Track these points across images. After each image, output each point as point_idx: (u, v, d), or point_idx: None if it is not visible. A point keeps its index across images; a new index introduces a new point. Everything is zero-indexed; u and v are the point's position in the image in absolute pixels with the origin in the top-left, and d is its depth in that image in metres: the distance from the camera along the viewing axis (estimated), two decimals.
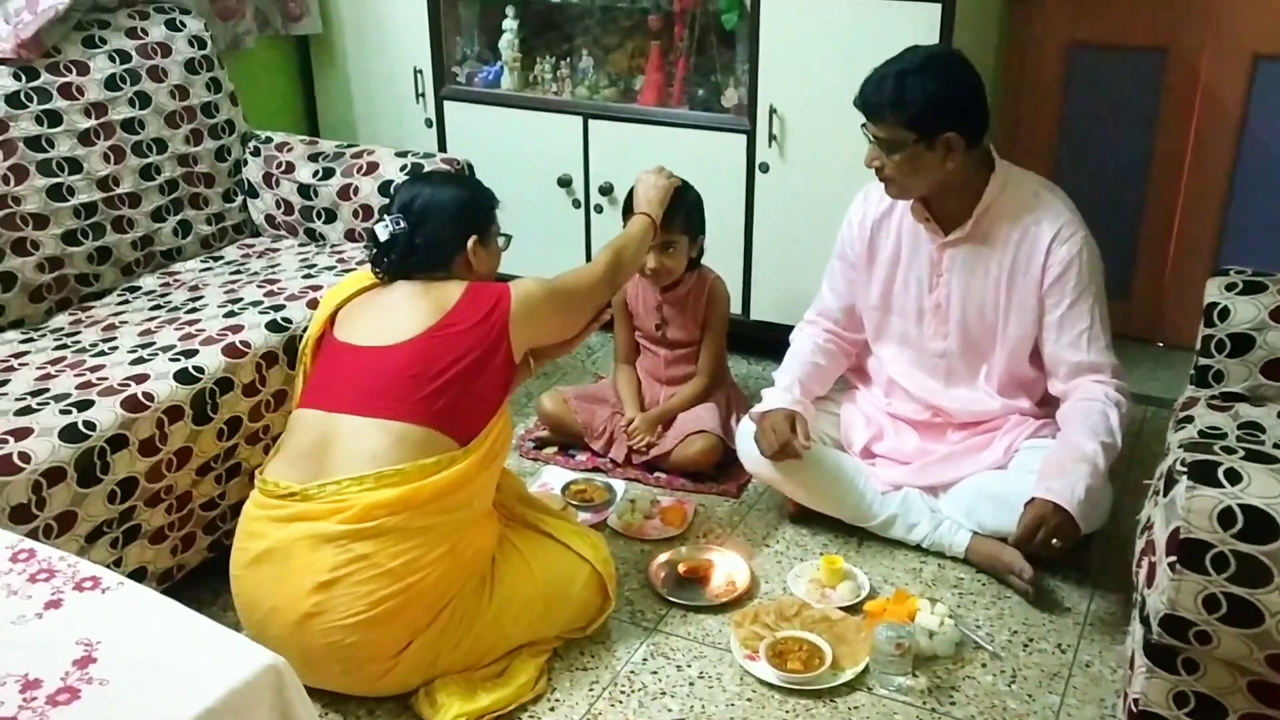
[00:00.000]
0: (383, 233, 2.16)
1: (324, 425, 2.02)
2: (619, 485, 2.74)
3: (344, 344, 2.12)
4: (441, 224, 2.17)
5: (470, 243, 2.18)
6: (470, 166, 2.94)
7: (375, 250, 2.19)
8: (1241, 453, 1.54)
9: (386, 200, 2.30)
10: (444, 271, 2.18)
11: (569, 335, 2.32)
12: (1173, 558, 1.51)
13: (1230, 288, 2.16)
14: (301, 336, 2.43)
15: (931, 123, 2.21)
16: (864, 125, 2.30)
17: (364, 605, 1.91)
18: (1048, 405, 2.46)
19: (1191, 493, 1.49)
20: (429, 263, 2.17)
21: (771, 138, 3.04)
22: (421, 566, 1.94)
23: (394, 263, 2.17)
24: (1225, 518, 1.46)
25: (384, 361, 2.05)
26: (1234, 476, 1.49)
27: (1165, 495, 1.56)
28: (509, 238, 2.32)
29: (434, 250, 2.17)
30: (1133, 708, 1.68)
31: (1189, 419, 2.06)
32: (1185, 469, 1.52)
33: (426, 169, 2.82)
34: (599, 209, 3.35)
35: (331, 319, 2.19)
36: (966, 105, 2.25)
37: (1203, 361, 2.17)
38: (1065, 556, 2.29)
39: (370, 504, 1.93)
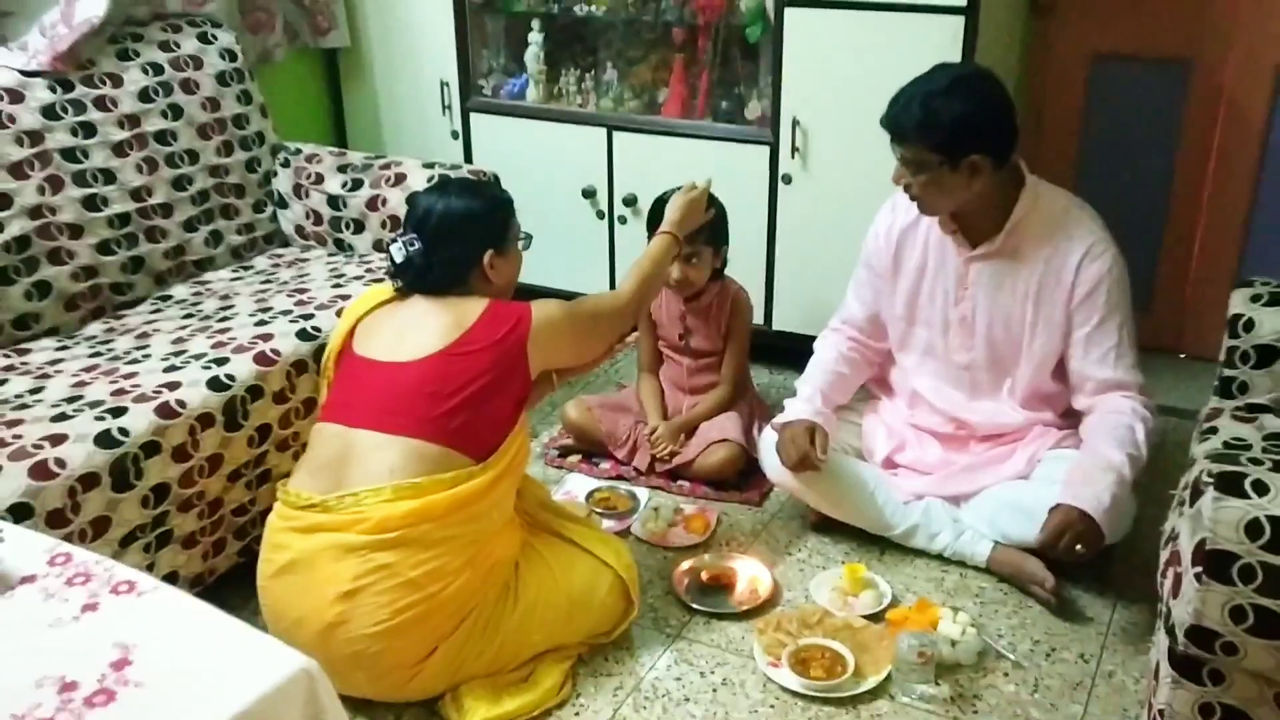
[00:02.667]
0: (398, 254, 2.14)
1: (343, 440, 2.04)
2: (642, 493, 2.76)
3: (363, 359, 2.12)
4: (456, 241, 2.15)
5: (487, 256, 2.16)
6: (496, 178, 2.96)
7: (393, 268, 2.19)
8: (1268, 464, 1.55)
9: (404, 213, 2.29)
10: (463, 286, 2.17)
11: (588, 359, 2.32)
12: (1199, 569, 1.51)
13: (1256, 299, 2.15)
14: None
15: (956, 146, 2.20)
16: (891, 143, 2.30)
17: (386, 614, 1.93)
18: (1071, 417, 2.46)
19: (1218, 504, 1.49)
20: (446, 280, 2.15)
21: (794, 149, 3.05)
22: (443, 575, 1.96)
23: (411, 281, 2.17)
24: (1252, 529, 1.47)
25: (402, 378, 2.05)
26: (1261, 488, 1.49)
27: (1191, 506, 1.57)
28: (529, 237, 2.29)
29: (450, 268, 2.15)
30: (1158, 718, 1.68)
31: (1213, 430, 2.05)
32: (1212, 480, 1.52)
33: (443, 178, 2.77)
34: (623, 220, 3.37)
35: (352, 332, 2.20)
36: (993, 127, 2.24)
37: (1227, 373, 2.16)
38: (1087, 566, 2.29)
39: (387, 516, 1.94)
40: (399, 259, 2.15)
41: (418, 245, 2.14)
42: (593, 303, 2.33)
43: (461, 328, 2.08)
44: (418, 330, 2.10)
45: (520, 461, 2.15)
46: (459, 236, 2.15)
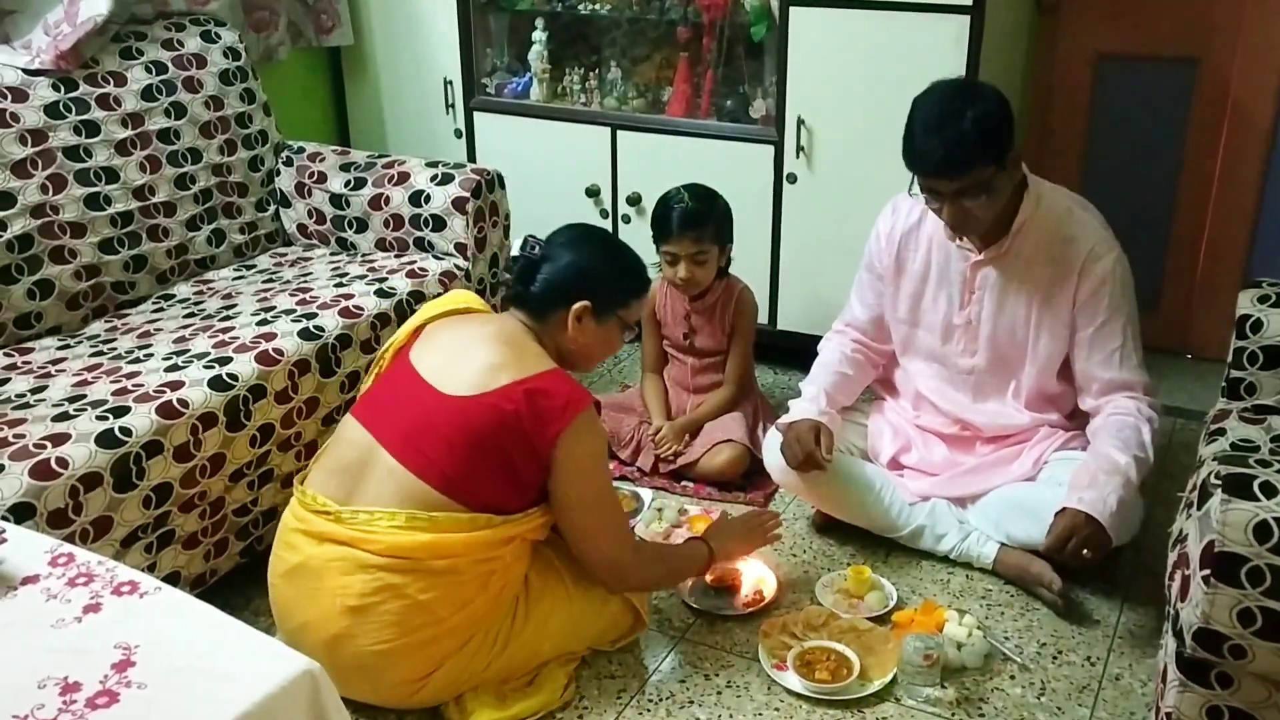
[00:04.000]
0: (516, 248, 2.10)
1: (366, 449, 1.99)
2: (646, 494, 2.75)
3: (412, 371, 2.04)
4: (563, 270, 2.07)
5: (577, 306, 2.05)
6: (500, 177, 2.95)
7: (510, 262, 2.14)
8: (1277, 466, 1.54)
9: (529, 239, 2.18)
10: (543, 322, 2.08)
11: (576, 520, 2.05)
12: (1207, 571, 1.50)
13: (1263, 300, 2.14)
14: (333, 345, 2.45)
15: (1004, 144, 2.19)
16: (924, 188, 2.23)
17: (393, 634, 1.91)
18: (1077, 418, 2.45)
19: (1227, 506, 1.49)
20: (537, 300, 2.08)
21: (799, 149, 3.04)
22: (453, 602, 1.93)
23: (513, 283, 2.12)
24: (1261, 531, 1.46)
25: (434, 411, 1.97)
26: (1269, 490, 1.48)
27: (1199, 508, 1.56)
28: (636, 333, 2.17)
29: (544, 291, 2.07)
30: None
31: (1221, 431, 2.04)
32: (1220, 482, 1.52)
33: (614, 239, 2.37)
34: (626, 219, 3.36)
35: (419, 331, 2.13)
36: (1011, 116, 2.23)
37: (1234, 374, 2.15)
38: (1094, 569, 2.28)
39: (398, 543, 1.90)
40: (513, 252, 2.10)
41: (537, 251, 2.10)
42: (614, 514, 2.12)
43: (505, 377, 1.95)
44: (468, 358, 2.00)
45: (546, 528, 2.06)
46: (571, 268, 2.08)
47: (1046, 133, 3.31)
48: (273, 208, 3.11)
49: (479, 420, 1.94)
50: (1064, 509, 2.18)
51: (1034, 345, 2.39)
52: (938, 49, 2.73)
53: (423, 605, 1.91)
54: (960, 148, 2.15)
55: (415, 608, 1.90)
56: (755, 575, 2.40)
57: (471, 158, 3.55)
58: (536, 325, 2.09)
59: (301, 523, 2.00)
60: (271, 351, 2.35)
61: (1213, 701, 1.59)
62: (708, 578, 2.38)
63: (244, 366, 2.29)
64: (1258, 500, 1.47)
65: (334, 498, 1.97)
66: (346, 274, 2.81)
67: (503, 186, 2.97)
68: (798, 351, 3.06)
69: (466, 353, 2.02)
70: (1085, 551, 2.15)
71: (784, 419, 2.51)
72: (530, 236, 2.13)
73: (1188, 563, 1.59)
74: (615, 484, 2.77)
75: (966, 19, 2.74)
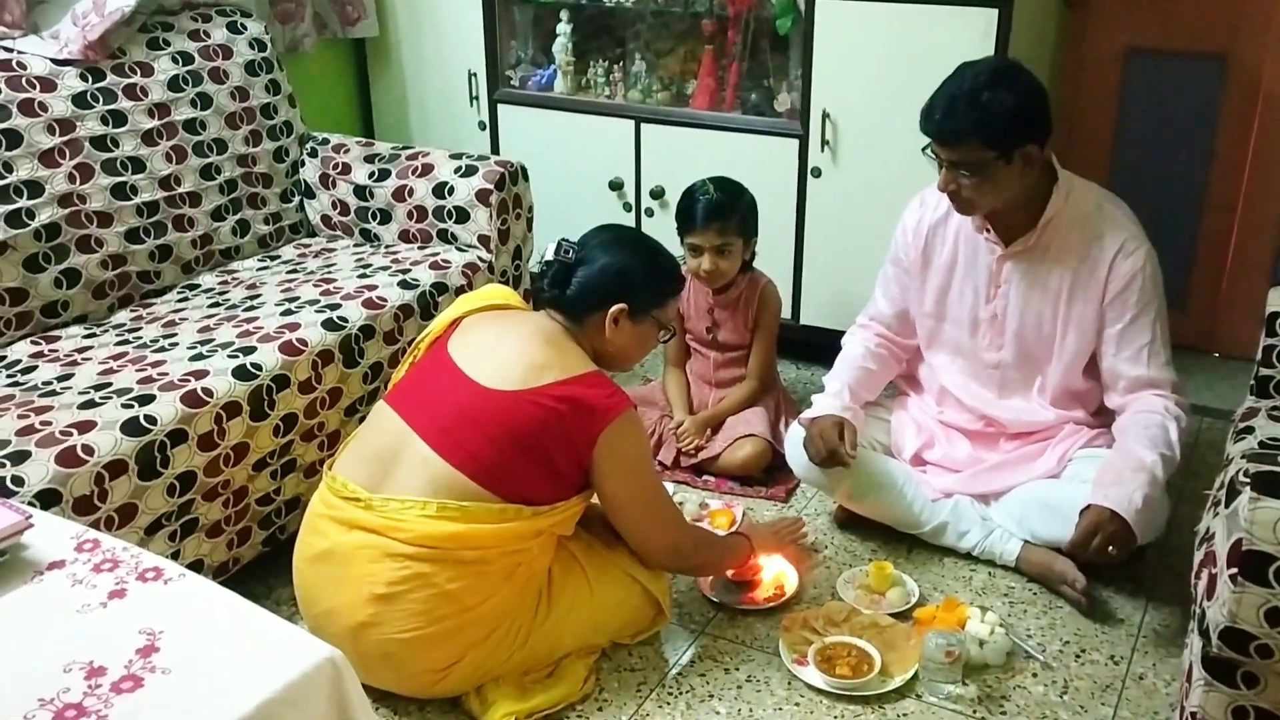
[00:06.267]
0: (550, 253, 2.10)
1: (399, 436, 2.00)
2: (668, 488, 2.74)
3: (450, 361, 2.05)
4: (600, 274, 2.08)
5: (614, 309, 2.07)
6: (523, 169, 2.95)
7: (540, 267, 2.14)
8: None
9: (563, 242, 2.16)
10: (579, 325, 2.09)
11: (615, 516, 2.11)
12: (1234, 570, 1.48)
13: None
14: (356, 336, 2.46)
15: (1012, 137, 2.17)
16: (932, 150, 2.24)
17: (419, 623, 1.91)
18: (1102, 415, 2.43)
19: (1255, 504, 1.47)
20: (572, 304, 2.09)
21: (824, 142, 3.03)
22: (480, 592, 1.93)
23: (546, 288, 2.12)
24: None
25: (471, 402, 1.98)
26: None
27: (1227, 506, 1.54)
28: (672, 334, 2.20)
29: (581, 295, 2.08)
30: None
31: (1249, 430, 2.02)
32: (1249, 480, 1.50)
33: (641, 236, 2.41)
34: (650, 213, 3.36)
35: (456, 323, 2.15)
36: (1039, 114, 2.21)
37: (1264, 372, 2.13)
38: (1119, 567, 2.26)
39: (428, 533, 1.91)
40: (548, 257, 2.10)
41: (571, 255, 2.10)
42: (668, 504, 2.17)
43: (549, 376, 1.98)
44: (509, 352, 2.02)
45: (574, 520, 2.08)
46: (606, 271, 2.08)
47: (1074, 128, 3.29)
48: (297, 199, 3.12)
49: (521, 416, 1.95)
50: (1089, 506, 2.16)
51: (1060, 341, 2.37)
52: (965, 43, 2.71)
53: (449, 595, 1.91)
54: (954, 116, 2.16)
55: (442, 597, 1.91)
56: (776, 570, 2.40)
57: (495, 150, 3.55)
58: (574, 327, 2.10)
59: (330, 509, 2.00)
60: (295, 342, 2.36)
61: (1238, 701, 1.58)
62: (728, 572, 2.38)
63: (268, 356, 2.30)
64: None
65: (364, 485, 1.98)
66: (370, 265, 2.82)
67: (526, 179, 2.97)
68: (821, 346, 3.05)
69: (508, 349, 2.03)
70: (1110, 549, 2.13)
71: (807, 414, 2.50)
72: (564, 240, 2.13)
73: (1214, 561, 1.57)
74: None
75: (995, 12, 2.72)
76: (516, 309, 2.22)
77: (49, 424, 2.04)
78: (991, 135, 2.16)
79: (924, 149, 2.26)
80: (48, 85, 2.60)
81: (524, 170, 2.96)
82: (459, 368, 2.03)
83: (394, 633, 1.92)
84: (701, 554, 2.24)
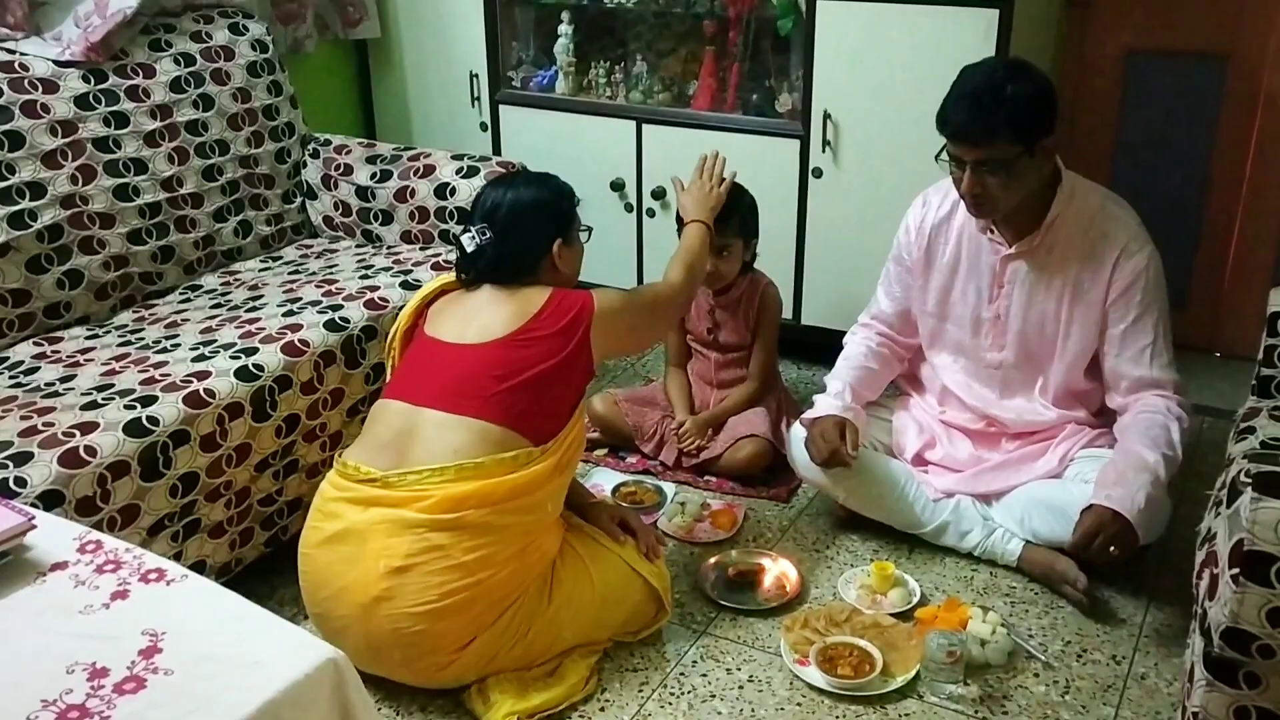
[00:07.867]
0: (469, 244, 2.17)
1: (408, 417, 2.06)
2: (669, 488, 2.75)
3: (432, 339, 2.15)
4: (526, 232, 2.18)
5: (555, 245, 2.19)
6: (524, 169, 2.95)
7: (461, 259, 2.20)
8: None
9: (470, 205, 2.32)
10: (532, 276, 2.18)
11: (644, 347, 2.36)
12: (1236, 570, 1.48)
13: None
14: (358, 337, 2.47)
15: (1038, 128, 2.17)
16: (948, 154, 2.22)
17: (434, 595, 1.93)
18: (1105, 416, 2.43)
19: (1257, 504, 1.47)
20: (516, 270, 2.17)
21: (825, 143, 3.03)
22: (493, 563, 1.97)
23: (481, 271, 2.19)
24: None
25: (469, 359, 2.08)
26: None
27: (1229, 507, 1.54)
28: (590, 230, 2.32)
29: (520, 258, 2.18)
30: None
31: (1250, 430, 2.02)
32: (1250, 480, 1.50)
33: (507, 172, 2.78)
34: (651, 213, 3.36)
35: (421, 314, 2.23)
36: (1054, 104, 2.21)
37: (1265, 372, 2.13)
38: (1120, 567, 2.26)
39: (448, 495, 1.96)
40: (470, 249, 2.17)
41: (489, 235, 2.16)
42: (651, 291, 2.40)
43: (526, 315, 2.11)
44: (486, 316, 2.13)
45: (576, 450, 2.17)
46: (530, 226, 2.19)
47: (1076, 128, 3.29)
48: (299, 200, 3.13)
49: (517, 349, 2.08)
50: (1091, 506, 2.16)
51: (1063, 341, 2.37)
52: (966, 43, 2.71)
53: (465, 566, 1.94)
54: (981, 114, 2.15)
55: (458, 568, 1.94)
56: (778, 570, 2.40)
57: (497, 151, 3.55)
58: (526, 281, 2.18)
59: (344, 491, 2.03)
60: (297, 342, 2.36)
61: (1240, 701, 1.58)
62: (730, 572, 2.39)
63: (270, 357, 2.30)
64: None
65: (380, 468, 2.01)
66: (372, 266, 2.82)
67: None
68: (822, 346, 3.05)
69: (479, 313, 2.14)
70: (1112, 549, 2.13)
71: (809, 414, 2.50)
72: (468, 227, 2.19)
73: (1216, 561, 1.57)
74: (638, 478, 2.79)
75: (995, 13, 2.72)
76: (468, 289, 2.27)
77: (51, 425, 2.04)
78: (1020, 128, 2.15)
79: (937, 156, 2.24)
80: (50, 87, 2.61)
81: (525, 170, 2.96)
82: (446, 341, 2.13)
83: (407, 606, 1.93)
84: (686, 280, 2.39)
